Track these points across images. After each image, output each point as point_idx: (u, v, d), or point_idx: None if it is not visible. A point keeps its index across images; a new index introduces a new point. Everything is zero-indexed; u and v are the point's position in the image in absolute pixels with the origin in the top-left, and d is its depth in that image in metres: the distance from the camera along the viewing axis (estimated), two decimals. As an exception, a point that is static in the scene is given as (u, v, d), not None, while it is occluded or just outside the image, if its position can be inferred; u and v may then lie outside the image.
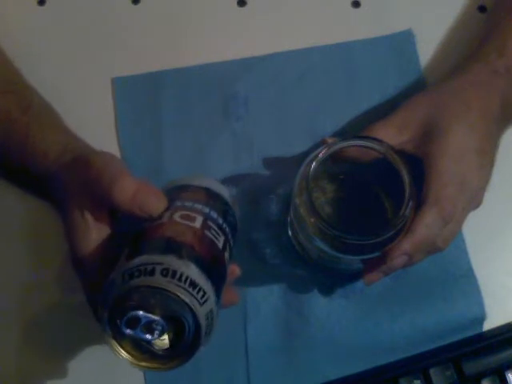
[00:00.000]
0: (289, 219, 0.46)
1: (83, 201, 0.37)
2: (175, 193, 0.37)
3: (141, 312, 0.30)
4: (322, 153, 0.37)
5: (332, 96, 0.51)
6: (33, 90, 0.46)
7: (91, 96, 0.50)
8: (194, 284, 0.30)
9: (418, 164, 0.40)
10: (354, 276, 0.46)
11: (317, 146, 0.47)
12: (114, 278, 0.31)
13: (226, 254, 0.36)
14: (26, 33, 0.52)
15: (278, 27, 0.53)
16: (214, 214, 0.36)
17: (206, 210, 0.36)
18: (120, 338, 0.31)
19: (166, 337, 0.30)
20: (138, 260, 0.31)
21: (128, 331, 0.30)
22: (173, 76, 0.51)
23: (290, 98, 0.51)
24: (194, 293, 0.30)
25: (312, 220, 0.37)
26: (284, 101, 0.51)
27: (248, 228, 0.45)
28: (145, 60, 0.51)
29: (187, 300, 0.30)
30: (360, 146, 0.38)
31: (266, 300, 0.46)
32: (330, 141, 0.41)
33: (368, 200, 0.42)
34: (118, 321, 0.30)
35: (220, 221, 0.36)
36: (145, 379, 0.44)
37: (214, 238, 0.35)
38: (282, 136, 0.50)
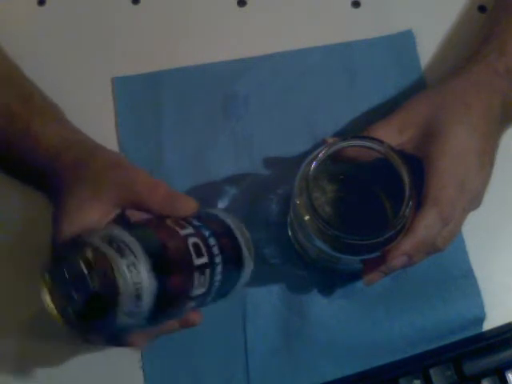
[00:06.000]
0: (289, 219, 0.46)
1: (87, 201, 0.37)
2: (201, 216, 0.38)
3: (84, 268, 0.30)
4: (322, 153, 0.37)
5: (332, 96, 0.51)
6: (33, 84, 0.46)
7: (91, 96, 0.51)
8: (139, 278, 0.30)
9: (418, 164, 0.40)
10: (353, 276, 0.46)
11: (317, 146, 0.47)
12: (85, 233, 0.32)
13: (197, 277, 0.34)
14: (26, 33, 0.52)
15: (277, 27, 0.53)
16: (212, 242, 0.36)
17: (206, 232, 0.36)
18: (53, 280, 0.31)
19: (85, 301, 0.30)
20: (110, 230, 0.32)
21: (65, 273, 0.30)
22: (173, 76, 0.51)
23: (290, 98, 0.51)
24: (133, 287, 0.30)
25: (312, 220, 0.37)
26: (284, 101, 0.51)
27: (248, 228, 0.45)
28: (145, 60, 0.51)
29: (122, 287, 0.29)
30: (360, 146, 0.38)
31: (265, 300, 0.46)
32: (330, 141, 0.41)
33: (368, 200, 0.42)
34: (64, 262, 0.31)
35: (215, 255, 0.35)
36: (144, 378, 0.44)
37: (192, 251, 0.34)
38: (282, 136, 0.50)
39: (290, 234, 0.46)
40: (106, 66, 0.51)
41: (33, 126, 0.42)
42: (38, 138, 0.41)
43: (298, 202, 0.38)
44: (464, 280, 0.46)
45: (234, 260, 0.38)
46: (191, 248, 0.34)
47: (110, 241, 0.31)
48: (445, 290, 0.46)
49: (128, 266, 0.30)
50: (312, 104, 0.51)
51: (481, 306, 0.46)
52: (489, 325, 0.46)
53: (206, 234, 0.36)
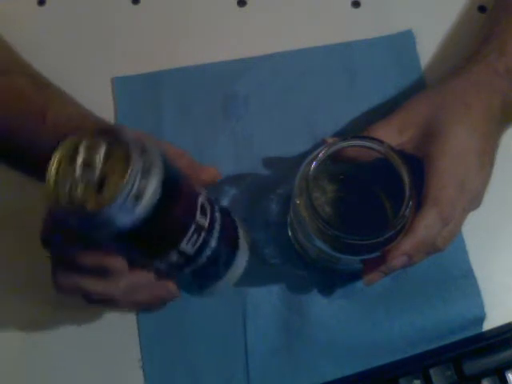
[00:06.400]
0: (289, 219, 0.46)
1: None
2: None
3: (102, 151, 0.29)
4: (322, 153, 0.37)
5: (332, 96, 0.51)
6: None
7: (91, 96, 0.50)
8: (146, 181, 0.29)
9: (418, 164, 0.40)
10: (353, 276, 0.46)
11: (317, 146, 0.47)
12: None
13: (192, 231, 0.34)
14: (26, 33, 0.52)
15: (278, 27, 0.53)
16: (217, 217, 0.36)
17: (216, 207, 0.36)
18: (66, 154, 0.30)
19: (88, 181, 0.29)
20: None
21: (80, 151, 0.30)
22: (173, 76, 0.51)
23: (290, 97, 0.51)
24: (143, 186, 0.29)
25: (312, 220, 0.37)
26: (284, 101, 0.51)
27: (248, 228, 0.45)
28: (145, 60, 0.52)
29: (128, 178, 0.28)
30: (360, 146, 0.38)
31: (265, 300, 0.46)
32: (330, 141, 0.41)
33: (368, 200, 0.42)
34: (85, 140, 0.30)
35: (215, 228, 0.35)
36: (144, 378, 0.44)
37: (198, 207, 0.34)
38: (282, 136, 0.50)
39: (289, 234, 0.46)
40: (106, 66, 0.51)
41: (51, 108, 0.41)
42: (57, 117, 0.40)
43: (297, 202, 0.38)
44: (464, 280, 0.46)
45: (228, 246, 0.38)
46: (199, 205, 0.34)
47: (137, 142, 0.30)
48: (445, 290, 0.46)
49: (142, 167, 0.29)
50: (312, 104, 0.51)
51: (481, 306, 0.46)
52: (489, 325, 0.46)
53: (216, 208, 0.36)
